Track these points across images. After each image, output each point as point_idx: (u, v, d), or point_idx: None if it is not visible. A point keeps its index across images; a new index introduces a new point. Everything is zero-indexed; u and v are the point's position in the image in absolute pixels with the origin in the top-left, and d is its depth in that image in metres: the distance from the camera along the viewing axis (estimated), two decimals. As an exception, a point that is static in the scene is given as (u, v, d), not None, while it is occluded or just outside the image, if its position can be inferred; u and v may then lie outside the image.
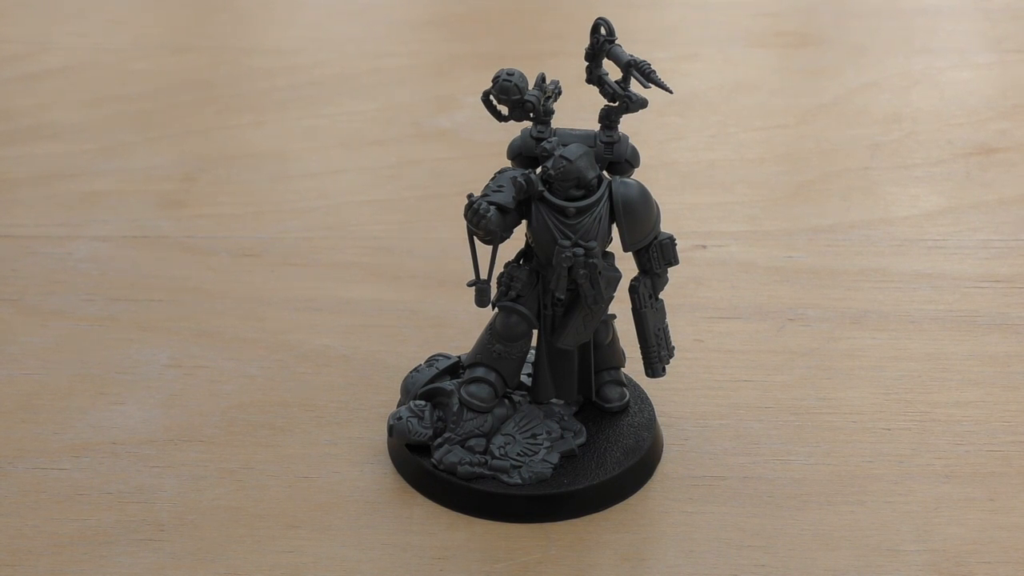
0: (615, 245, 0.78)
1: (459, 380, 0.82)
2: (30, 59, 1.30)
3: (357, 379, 0.89)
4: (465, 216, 0.76)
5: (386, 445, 0.83)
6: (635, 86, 0.76)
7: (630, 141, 0.78)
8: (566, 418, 0.82)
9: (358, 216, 1.06)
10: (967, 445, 0.84)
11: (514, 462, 0.79)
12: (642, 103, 0.77)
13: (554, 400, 0.83)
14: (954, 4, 1.41)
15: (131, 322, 0.94)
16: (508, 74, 0.76)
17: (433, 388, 0.82)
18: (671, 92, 0.76)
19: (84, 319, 0.94)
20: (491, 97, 0.78)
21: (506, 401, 0.81)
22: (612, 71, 0.77)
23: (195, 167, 1.12)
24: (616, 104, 0.77)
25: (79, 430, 0.85)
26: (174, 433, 0.85)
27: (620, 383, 0.84)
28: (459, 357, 0.84)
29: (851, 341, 0.93)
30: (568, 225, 0.76)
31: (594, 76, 0.78)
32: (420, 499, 0.80)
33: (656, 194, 0.78)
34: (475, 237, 0.77)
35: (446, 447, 0.79)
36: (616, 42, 0.77)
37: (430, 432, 0.80)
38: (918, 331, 0.94)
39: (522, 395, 0.83)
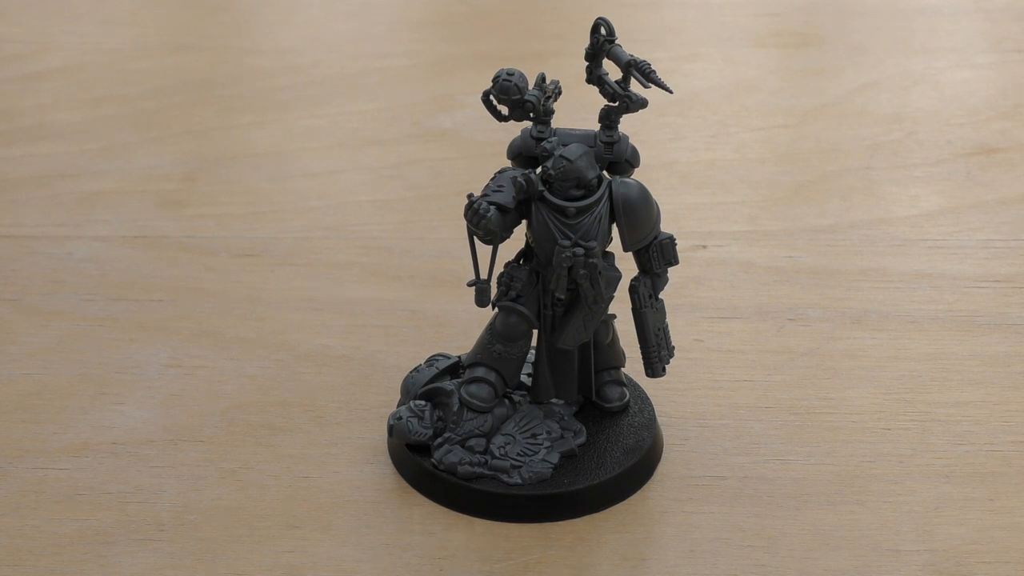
0: (615, 245, 0.78)
1: (459, 380, 0.82)
2: (30, 59, 1.30)
3: (357, 379, 0.89)
4: (465, 216, 0.76)
5: (386, 445, 0.83)
6: (635, 86, 0.76)
7: (630, 141, 0.78)
8: (566, 418, 0.82)
9: (358, 216, 1.06)
10: (967, 445, 0.84)
11: (514, 462, 0.79)
12: (642, 103, 0.77)
13: (554, 400, 0.83)
14: (954, 4, 1.41)
15: (131, 322, 0.94)
16: (508, 74, 0.76)
17: (433, 388, 0.81)
18: (671, 92, 0.76)
19: (84, 319, 0.94)
20: (491, 97, 0.78)
21: (506, 401, 0.81)
22: (612, 71, 0.77)
23: (195, 167, 1.12)
24: (616, 104, 0.77)
25: (79, 430, 0.85)
26: (174, 433, 0.85)
27: (620, 383, 0.84)
28: (459, 357, 0.84)
29: (851, 341, 0.93)
30: (568, 225, 0.76)
31: (594, 76, 0.78)
32: (420, 499, 0.80)
33: (656, 194, 0.78)
34: (475, 237, 0.77)
35: (446, 447, 0.79)
36: (616, 42, 0.77)
37: (430, 432, 0.80)
38: (918, 331, 0.94)
39: (522, 395, 0.82)
